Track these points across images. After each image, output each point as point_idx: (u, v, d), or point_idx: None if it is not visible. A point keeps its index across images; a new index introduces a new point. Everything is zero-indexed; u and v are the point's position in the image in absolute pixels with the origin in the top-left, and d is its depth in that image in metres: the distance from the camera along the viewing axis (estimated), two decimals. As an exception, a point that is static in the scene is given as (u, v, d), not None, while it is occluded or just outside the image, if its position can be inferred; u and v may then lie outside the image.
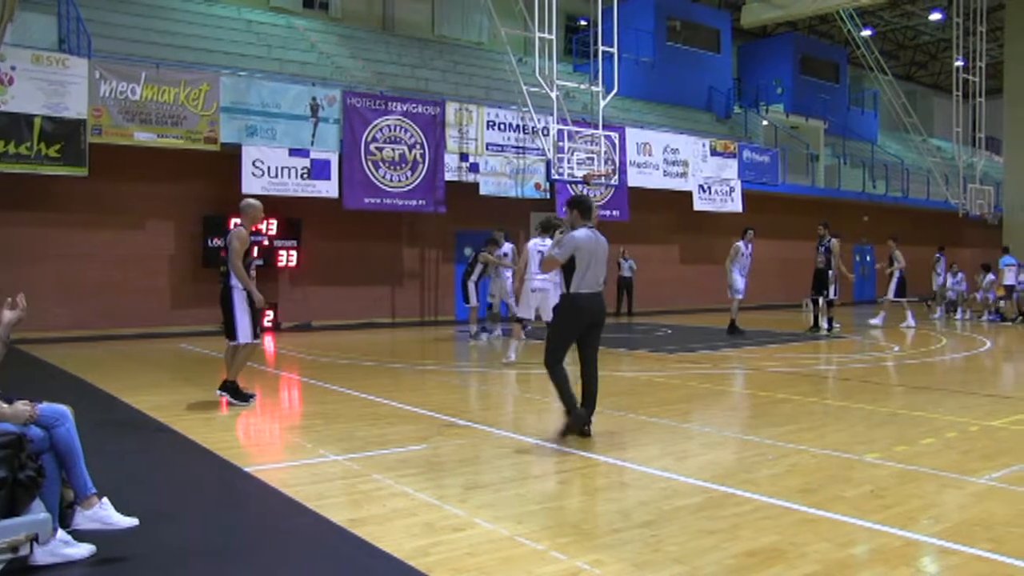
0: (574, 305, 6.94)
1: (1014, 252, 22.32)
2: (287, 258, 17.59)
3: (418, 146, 18.24)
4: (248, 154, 16.21)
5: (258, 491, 5.37)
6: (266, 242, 16.87)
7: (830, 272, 17.06)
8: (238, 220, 8.40)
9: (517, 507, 4.95)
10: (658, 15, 27.61)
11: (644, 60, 27.00)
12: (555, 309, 7.46)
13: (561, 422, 7.03)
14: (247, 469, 5.81)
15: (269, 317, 16.87)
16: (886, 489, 5.29)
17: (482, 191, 19.13)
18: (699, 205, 23.39)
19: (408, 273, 19.84)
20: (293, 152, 16.72)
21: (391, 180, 17.88)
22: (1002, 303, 21.29)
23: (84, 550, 3.97)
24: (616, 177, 20.58)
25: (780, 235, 25.66)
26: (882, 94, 31.02)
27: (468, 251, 17.40)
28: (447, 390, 9.98)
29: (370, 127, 17.62)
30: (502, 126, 19.57)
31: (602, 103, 19.60)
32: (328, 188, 17.18)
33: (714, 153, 23.80)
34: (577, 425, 6.83)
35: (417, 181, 18.22)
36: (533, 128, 19.43)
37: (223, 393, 8.38)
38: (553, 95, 18.33)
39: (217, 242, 16.21)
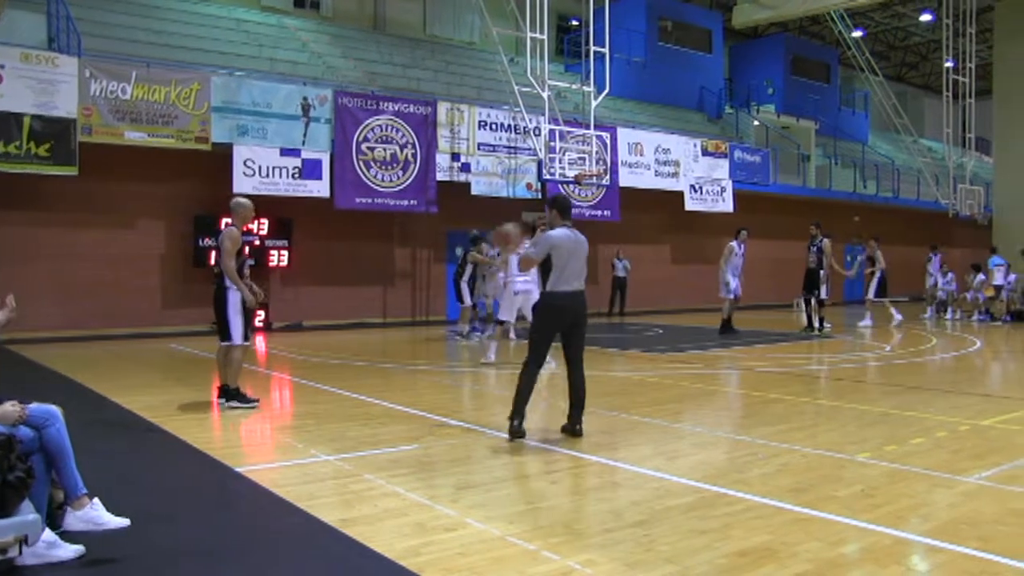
0: (552, 304, 6.91)
1: (1003, 252, 22.43)
2: (278, 258, 17.55)
3: (409, 146, 18.22)
4: (239, 154, 16.17)
5: (249, 491, 5.35)
6: (257, 242, 16.82)
7: (821, 272, 17.12)
8: (229, 220, 8.35)
9: (509, 507, 4.95)
10: (649, 15, 27.65)
11: (636, 60, 27.03)
12: (534, 308, 7.44)
13: (560, 422, 7.05)
14: (238, 469, 5.80)
15: (260, 317, 16.82)
16: (876, 488, 5.32)
17: (473, 191, 19.13)
18: (690, 205, 23.43)
19: (399, 273, 19.82)
20: (284, 152, 16.69)
21: (382, 180, 17.87)
22: (993, 301, 21.39)
23: (72, 551, 3.95)
24: (607, 177, 20.61)
25: (771, 235, 25.71)
26: (873, 95, 31.12)
27: (459, 251, 17.40)
28: (439, 390, 9.98)
29: (361, 127, 17.59)
30: (494, 126, 19.57)
31: (594, 103, 19.62)
32: (319, 188, 17.15)
33: (705, 153, 23.85)
34: (512, 437, 6.71)
35: (408, 181, 18.20)
36: (525, 128, 19.43)
37: (227, 401, 8.20)
38: (545, 95, 18.34)
39: (208, 242, 16.18)
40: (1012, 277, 21.37)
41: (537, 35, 18.31)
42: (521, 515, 4.78)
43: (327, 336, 16.59)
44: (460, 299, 15.85)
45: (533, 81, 18.40)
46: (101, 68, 14.93)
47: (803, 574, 3.86)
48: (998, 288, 21.21)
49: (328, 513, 4.75)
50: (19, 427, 3.97)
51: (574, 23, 27.16)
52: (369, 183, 17.69)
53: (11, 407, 3.99)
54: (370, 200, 17.78)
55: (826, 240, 17.29)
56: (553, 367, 10.23)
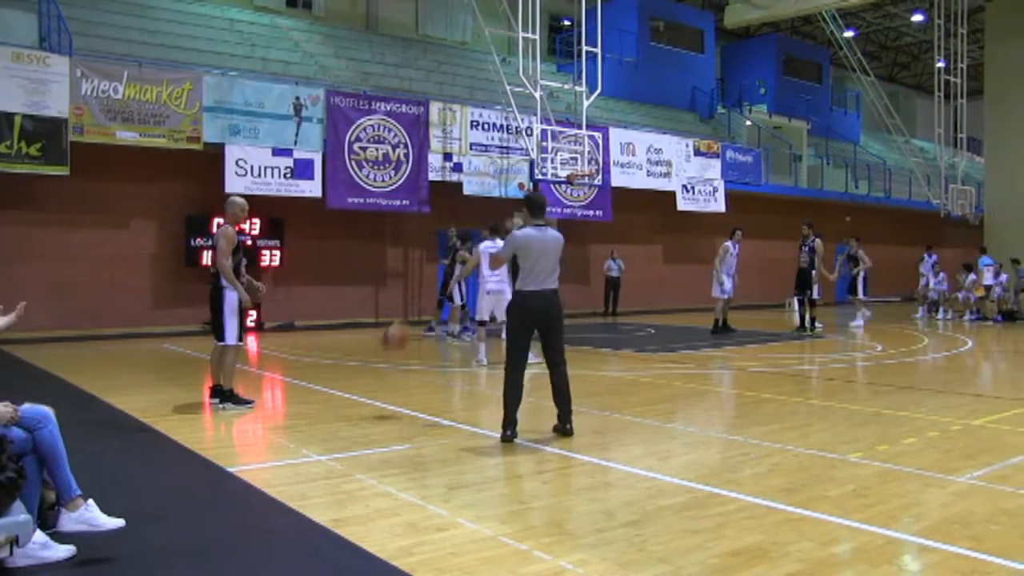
0: (522, 304, 6.89)
1: (994, 252, 22.50)
2: (270, 258, 17.52)
3: (402, 146, 18.21)
4: (231, 153, 16.13)
5: (241, 491, 5.34)
6: (249, 242, 16.78)
7: (813, 272, 17.17)
8: (221, 220, 8.30)
9: (501, 507, 4.96)
10: (641, 15, 27.68)
11: (628, 60, 27.06)
12: (507, 309, 7.44)
13: (552, 422, 7.04)
14: (230, 469, 5.79)
15: (252, 317, 16.77)
16: (868, 488, 5.33)
17: (466, 191, 19.11)
18: (682, 205, 23.46)
19: (391, 273, 19.80)
20: (276, 151, 16.66)
21: (374, 180, 17.85)
22: (983, 301, 21.48)
23: (63, 552, 3.94)
24: (599, 177, 20.60)
25: (763, 235, 25.76)
26: (865, 95, 31.19)
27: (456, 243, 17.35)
28: (430, 390, 9.98)
29: (354, 127, 17.57)
30: (486, 126, 19.56)
31: (586, 103, 19.60)
32: (311, 188, 17.13)
33: (697, 153, 23.88)
34: (504, 440, 6.70)
35: (401, 181, 18.19)
36: (517, 128, 19.43)
37: (220, 402, 8.16)
38: (537, 95, 18.33)
39: (200, 241, 16.14)
40: (1003, 277, 21.48)
41: (529, 35, 18.29)
42: (513, 515, 4.78)
43: (319, 336, 16.57)
44: (450, 298, 15.84)
45: (525, 81, 18.38)
46: (93, 67, 14.88)
47: (795, 574, 3.87)
48: (988, 288, 21.32)
49: (320, 513, 4.74)
50: (11, 428, 3.95)
51: (566, 23, 27.18)
52: (361, 183, 17.67)
53: (3, 408, 3.97)
54: (362, 200, 17.76)
55: (818, 240, 17.33)
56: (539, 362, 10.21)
